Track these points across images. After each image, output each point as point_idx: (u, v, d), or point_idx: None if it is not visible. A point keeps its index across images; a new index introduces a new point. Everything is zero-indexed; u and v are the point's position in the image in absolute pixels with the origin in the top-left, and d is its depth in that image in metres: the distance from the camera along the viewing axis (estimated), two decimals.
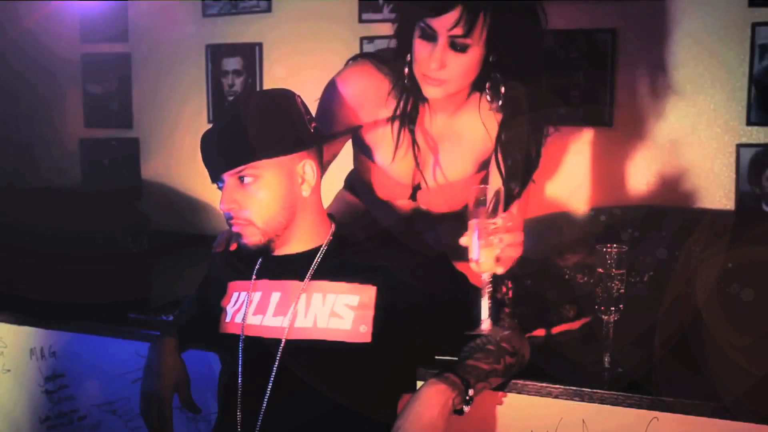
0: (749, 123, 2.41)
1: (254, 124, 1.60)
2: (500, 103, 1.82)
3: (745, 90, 2.40)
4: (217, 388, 1.74)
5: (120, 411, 2.18)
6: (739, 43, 2.39)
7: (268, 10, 3.00)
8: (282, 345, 1.62)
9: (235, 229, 1.64)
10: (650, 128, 2.51)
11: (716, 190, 2.46)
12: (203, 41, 3.10)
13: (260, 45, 3.03)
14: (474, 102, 1.88)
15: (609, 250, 1.77)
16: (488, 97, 1.83)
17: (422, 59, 1.75)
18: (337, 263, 1.66)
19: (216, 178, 1.65)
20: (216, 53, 3.10)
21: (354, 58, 1.99)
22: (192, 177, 3.14)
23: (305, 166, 1.64)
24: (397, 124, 1.91)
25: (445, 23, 1.68)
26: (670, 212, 2.47)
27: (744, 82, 2.40)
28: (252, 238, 1.62)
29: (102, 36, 3.27)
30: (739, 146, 2.42)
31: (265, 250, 1.65)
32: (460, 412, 1.51)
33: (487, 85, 1.82)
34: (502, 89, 1.80)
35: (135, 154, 3.29)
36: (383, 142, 1.95)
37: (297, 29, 2.96)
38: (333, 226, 1.73)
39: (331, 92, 1.93)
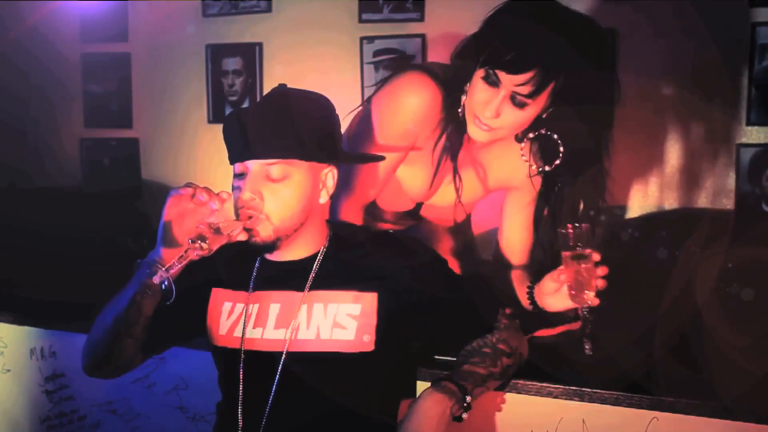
0: (749, 123, 2.41)
1: (307, 123, 1.57)
2: (544, 169, 1.80)
3: (745, 90, 2.40)
4: (218, 384, 1.73)
5: (120, 411, 2.18)
6: (739, 43, 2.39)
7: (268, 10, 3.00)
8: (284, 357, 1.60)
9: (249, 222, 1.56)
10: (650, 128, 2.51)
11: (716, 190, 2.46)
12: (203, 41, 3.11)
13: (260, 45, 3.03)
14: (510, 140, 1.84)
15: (569, 230, 1.66)
16: (532, 161, 1.82)
17: (478, 102, 1.71)
18: (336, 269, 1.64)
19: (242, 159, 1.57)
20: (216, 53, 3.10)
21: (401, 69, 1.91)
22: (192, 177, 3.14)
23: (329, 173, 1.63)
24: (438, 152, 1.86)
25: (514, 79, 1.65)
26: (670, 212, 2.47)
27: (744, 82, 2.40)
28: (264, 233, 1.57)
29: (102, 36, 3.27)
30: (739, 146, 2.42)
31: (270, 248, 1.60)
32: (459, 419, 1.51)
33: (534, 147, 1.81)
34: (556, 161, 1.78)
35: (135, 154, 3.29)
36: (420, 164, 1.92)
37: (297, 29, 2.96)
38: (330, 230, 1.71)
39: (378, 104, 1.88)
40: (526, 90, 1.65)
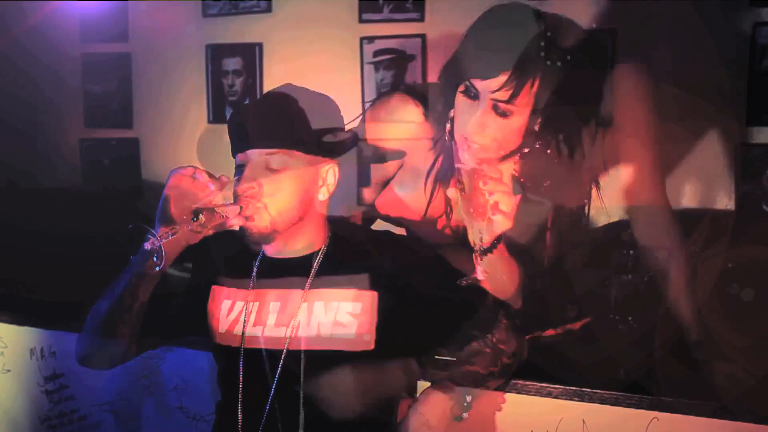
0: (749, 123, 2.41)
1: (308, 117, 1.60)
2: (540, 189, 1.77)
3: (745, 90, 2.40)
4: (217, 382, 1.73)
5: (120, 411, 2.18)
6: (739, 43, 2.39)
7: (268, 10, 3.00)
8: (285, 355, 1.61)
9: (246, 211, 1.57)
10: (650, 128, 2.51)
11: (716, 190, 2.46)
12: (203, 41, 3.10)
13: (260, 45, 3.03)
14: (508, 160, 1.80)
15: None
16: (524, 187, 1.76)
17: (463, 120, 1.69)
18: (336, 268, 1.65)
19: (244, 149, 1.60)
20: (216, 53, 3.10)
21: (387, 92, 1.95)
22: None
23: (330, 170, 1.65)
24: (431, 180, 1.86)
25: (489, 85, 1.62)
26: None
27: (744, 82, 2.40)
28: (261, 223, 1.58)
29: (102, 36, 3.27)
30: (739, 146, 2.42)
31: (265, 240, 1.61)
32: (459, 418, 1.51)
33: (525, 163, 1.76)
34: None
35: (135, 154, 3.28)
36: (417, 191, 1.91)
37: (297, 29, 2.96)
38: (330, 228, 1.72)
39: (366, 125, 1.89)
40: (504, 95, 1.61)
